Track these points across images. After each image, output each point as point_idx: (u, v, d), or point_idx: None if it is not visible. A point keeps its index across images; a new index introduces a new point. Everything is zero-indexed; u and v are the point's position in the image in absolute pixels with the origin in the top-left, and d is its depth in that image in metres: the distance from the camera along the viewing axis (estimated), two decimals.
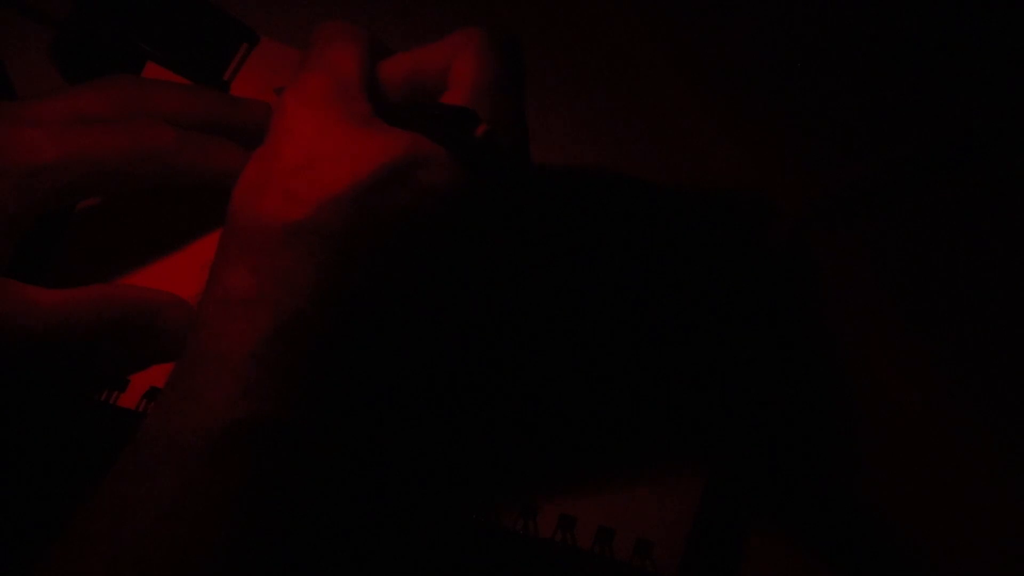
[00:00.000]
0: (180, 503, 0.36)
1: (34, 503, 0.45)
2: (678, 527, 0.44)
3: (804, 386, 0.54)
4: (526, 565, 0.43)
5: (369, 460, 0.41)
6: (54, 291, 0.42)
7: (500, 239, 0.40)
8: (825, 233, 0.56)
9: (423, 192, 0.38)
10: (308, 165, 0.38)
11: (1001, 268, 0.55)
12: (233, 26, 0.51)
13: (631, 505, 0.45)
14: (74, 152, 0.42)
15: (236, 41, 0.51)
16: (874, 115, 0.55)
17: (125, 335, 0.44)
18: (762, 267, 0.51)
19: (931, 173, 0.56)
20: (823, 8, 0.56)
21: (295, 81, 0.41)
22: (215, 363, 0.38)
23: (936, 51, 0.54)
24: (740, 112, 0.56)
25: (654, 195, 0.52)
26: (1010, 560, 0.52)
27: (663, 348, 0.49)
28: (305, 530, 0.38)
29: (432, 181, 0.38)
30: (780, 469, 0.53)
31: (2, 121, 0.43)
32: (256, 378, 0.37)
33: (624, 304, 0.49)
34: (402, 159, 0.38)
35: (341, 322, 0.38)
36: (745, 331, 0.50)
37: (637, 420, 0.47)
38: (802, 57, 0.55)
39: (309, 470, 0.38)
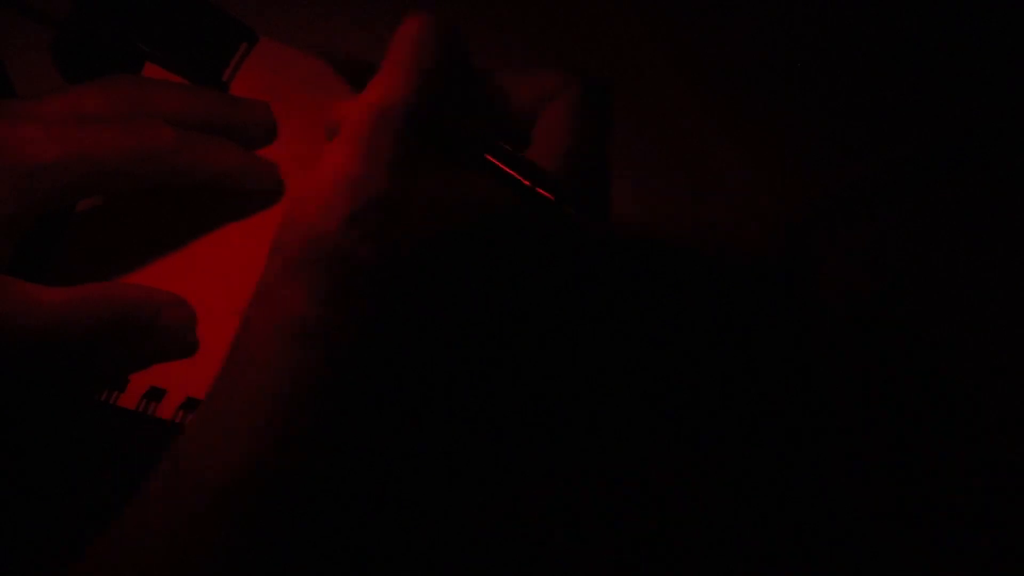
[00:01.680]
0: (190, 541, 0.36)
1: (34, 503, 0.45)
2: None
3: (804, 386, 0.54)
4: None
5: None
6: (54, 290, 0.42)
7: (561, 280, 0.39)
8: (825, 233, 0.56)
9: (495, 242, 0.37)
10: (383, 204, 0.37)
11: (1001, 268, 0.55)
12: (232, 26, 0.51)
13: None
14: (74, 152, 0.42)
15: (235, 41, 0.51)
16: (874, 115, 0.55)
17: (125, 334, 0.44)
18: (762, 267, 0.51)
19: (931, 173, 0.56)
20: (823, 8, 0.56)
21: (373, 87, 0.39)
22: (252, 396, 0.37)
23: (936, 51, 0.54)
24: (740, 112, 0.56)
25: (654, 195, 0.52)
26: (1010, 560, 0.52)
27: (663, 348, 0.49)
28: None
29: (504, 235, 0.37)
30: (779, 471, 0.53)
31: (2, 120, 0.43)
32: (292, 420, 0.36)
33: (624, 303, 0.49)
34: (473, 199, 0.37)
35: (396, 370, 0.37)
36: (745, 331, 0.50)
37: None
38: (802, 57, 0.55)
39: (321, 520, 0.37)
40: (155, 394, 0.46)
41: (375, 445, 0.37)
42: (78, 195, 0.45)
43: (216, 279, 0.48)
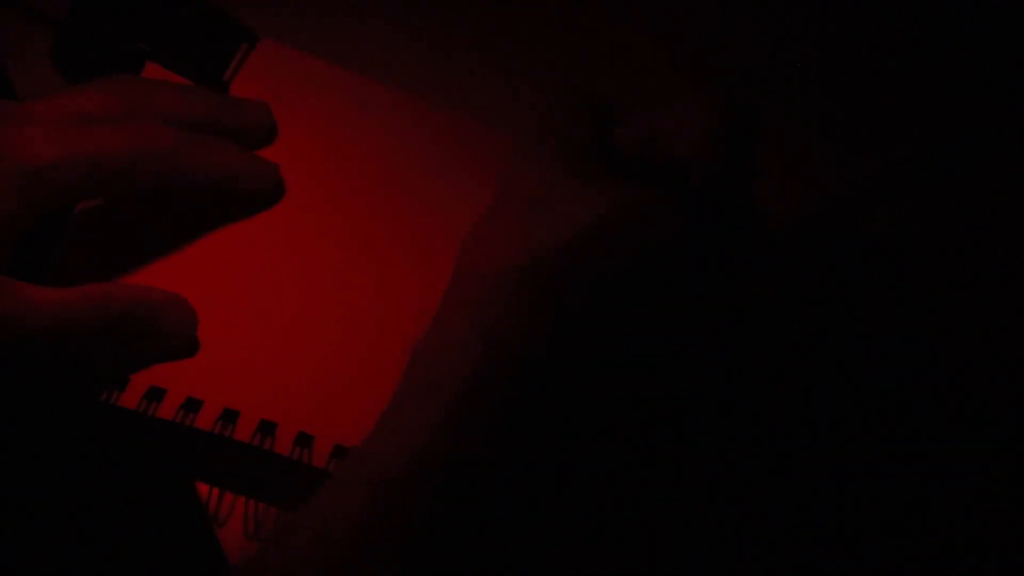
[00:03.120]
0: (367, 525, 0.37)
1: (34, 503, 0.45)
2: None
3: (804, 386, 0.54)
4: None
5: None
6: (54, 290, 0.42)
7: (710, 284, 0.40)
8: (825, 233, 0.56)
9: (645, 242, 0.38)
10: (529, 214, 0.39)
11: (1001, 268, 0.55)
12: (233, 26, 0.51)
13: None
14: (74, 152, 0.42)
15: (236, 41, 0.51)
16: (874, 115, 0.55)
17: (126, 334, 0.44)
18: (762, 267, 0.51)
19: (931, 173, 0.56)
20: (823, 8, 0.56)
21: (521, 145, 0.42)
22: (426, 393, 0.39)
23: (936, 51, 0.54)
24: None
25: None
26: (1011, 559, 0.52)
27: (661, 348, 0.49)
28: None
29: (656, 232, 0.38)
30: (781, 470, 0.53)
31: (2, 121, 0.43)
32: (462, 414, 0.38)
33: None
34: (625, 208, 0.38)
35: (552, 367, 0.38)
36: (744, 331, 0.50)
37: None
38: (802, 57, 0.55)
39: (486, 508, 0.38)
40: (155, 394, 0.46)
41: (537, 438, 0.39)
42: (78, 195, 0.45)
43: (216, 279, 0.48)
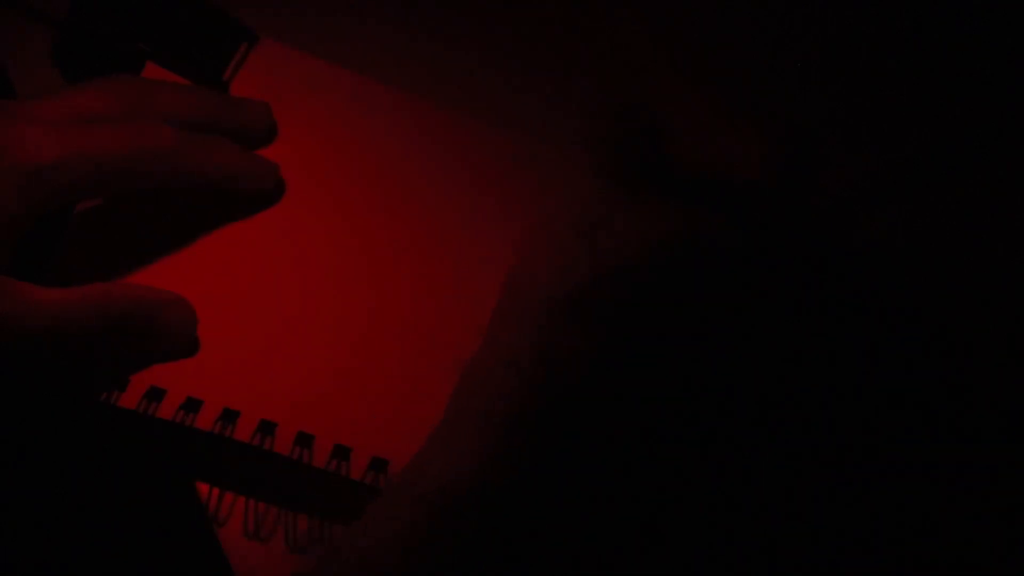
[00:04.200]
0: (408, 551, 0.37)
1: (34, 502, 0.45)
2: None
3: (804, 386, 0.54)
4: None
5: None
6: (54, 290, 0.42)
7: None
8: (826, 233, 0.56)
9: (703, 265, 0.38)
10: (584, 237, 0.38)
11: (1001, 268, 0.55)
12: (233, 26, 0.51)
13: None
14: (74, 152, 0.42)
15: (236, 41, 0.51)
16: (874, 115, 0.55)
17: (126, 335, 0.44)
18: (762, 267, 0.51)
19: (931, 173, 0.56)
20: (823, 8, 0.56)
21: (570, 162, 0.42)
22: (473, 419, 0.38)
23: (936, 51, 0.54)
24: (740, 112, 0.56)
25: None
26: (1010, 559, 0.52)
27: (661, 347, 0.49)
28: None
29: (714, 255, 0.38)
30: (780, 468, 0.53)
31: (2, 120, 0.43)
32: (508, 441, 0.37)
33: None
34: (682, 231, 0.38)
35: (600, 394, 0.38)
36: (744, 331, 0.50)
37: None
38: (802, 57, 0.55)
39: (523, 534, 0.38)
40: (155, 394, 0.46)
41: (568, 466, 0.38)
42: (78, 195, 0.45)
43: (216, 279, 0.48)
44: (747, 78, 0.57)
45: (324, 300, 0.48)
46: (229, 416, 0.46)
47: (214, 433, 0.46)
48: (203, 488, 0.48)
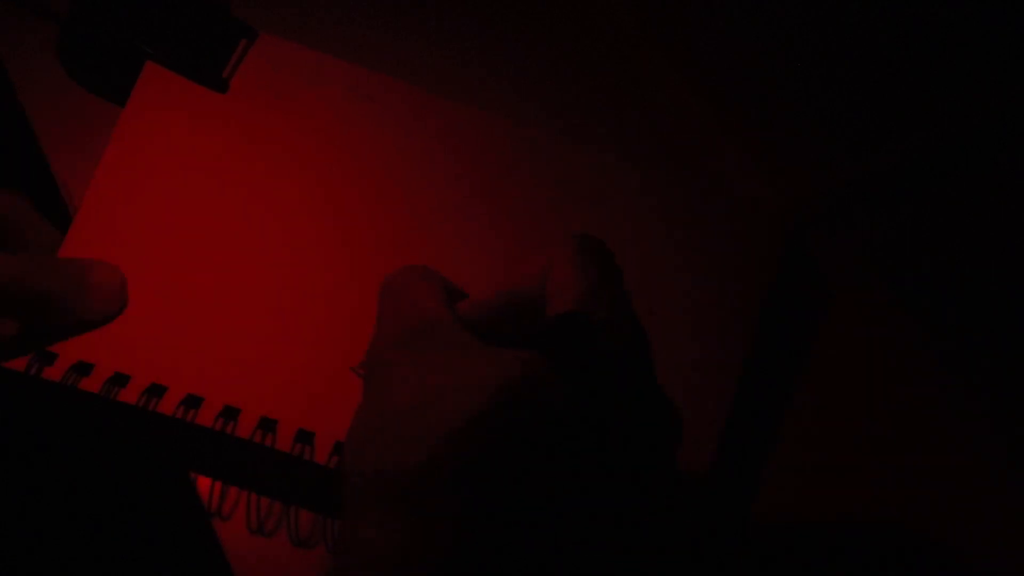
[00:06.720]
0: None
1: (35, 499, 0.45)
2: None
3: (804, 385, 0.54)
4: None
5: None
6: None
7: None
8: (825, 233, 0.56)
9: (539, 407, 0.36)
10: (419, 405, 0.37)
11: (1001, 268, 0.55)
12: (232, 23, 0.51)
13: None
14: None
15: (235, 38, 0.51)
16: (874, 115, 0.55)
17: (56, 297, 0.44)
18: (762, 267, 0.51)
19: (931, 173, 0.56)
20: (823, 9, 0.56)
21: (379, 334, 0.40)
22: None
23: (936, 51, 0.54)
24: (740, 112, 0.56)
25: (654, 195, 0.52)
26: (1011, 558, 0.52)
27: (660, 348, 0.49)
28: None
29: (547, 394, 0.36)
30: (779, 468, 0.53)
31: None
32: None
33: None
34: (516, 380, 0.36)
35: (481, 548, 0.36)
36: (744, 331, 0.50)
37: None
38: (801, 58, 0.56)
39: None
40: (156, 390, 0.46)
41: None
42: None
43: (216, 278, 0.48)
44: (747, 79, 0.57)
45: (324, 298, 0.48)
46: (230, 413, 0.46)
47: (215, 430, 0.46)
48: (205, 484, 0.48)
